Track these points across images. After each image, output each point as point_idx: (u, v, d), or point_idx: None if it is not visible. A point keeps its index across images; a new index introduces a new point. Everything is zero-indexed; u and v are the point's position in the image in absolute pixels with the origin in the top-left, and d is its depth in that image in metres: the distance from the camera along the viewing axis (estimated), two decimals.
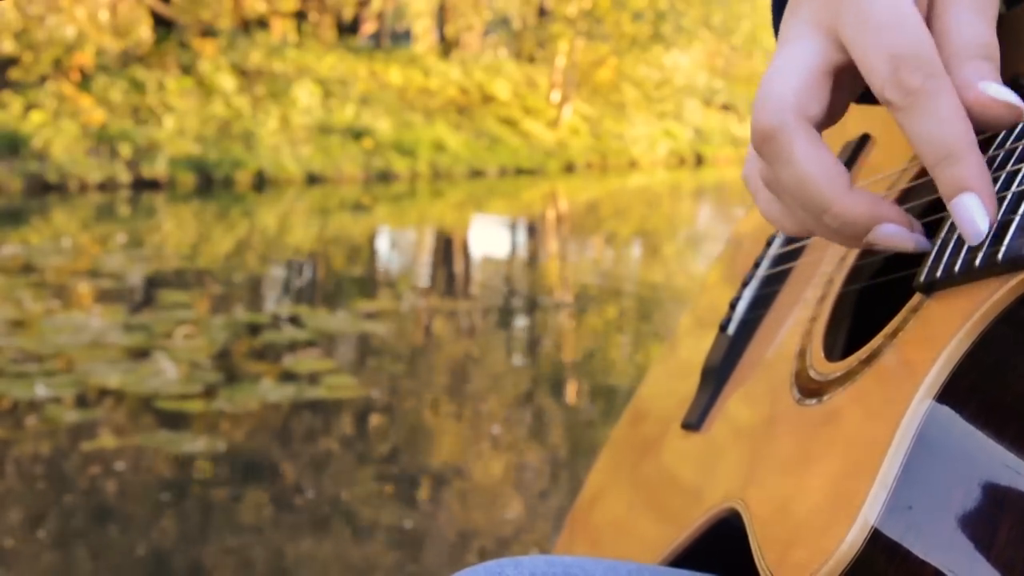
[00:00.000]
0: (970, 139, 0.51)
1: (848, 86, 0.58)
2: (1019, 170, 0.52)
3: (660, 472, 0.92)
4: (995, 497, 0.48)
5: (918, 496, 0.49)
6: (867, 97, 0.58)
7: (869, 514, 0.50)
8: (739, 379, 0.85)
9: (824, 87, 0.56)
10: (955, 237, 0.53)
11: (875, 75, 0.53)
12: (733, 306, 0.91)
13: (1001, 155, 0.54)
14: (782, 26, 0.59)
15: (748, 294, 0.91)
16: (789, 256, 0.89)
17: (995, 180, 0.53)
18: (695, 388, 0.91)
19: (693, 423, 0.87)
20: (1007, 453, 0.48)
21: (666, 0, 22.83)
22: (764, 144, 0.56)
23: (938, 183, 0.52)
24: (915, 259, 0.57)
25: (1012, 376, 0.50)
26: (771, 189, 0.59)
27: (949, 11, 0.54)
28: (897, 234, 0.55)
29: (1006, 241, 0.49)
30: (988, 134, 0.57)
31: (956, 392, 0.50)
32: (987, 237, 0.51)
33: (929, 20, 0.55)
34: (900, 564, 0.49)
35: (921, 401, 0.50)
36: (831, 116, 0.58)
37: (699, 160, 23.84)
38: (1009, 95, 0.52)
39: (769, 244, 0.94)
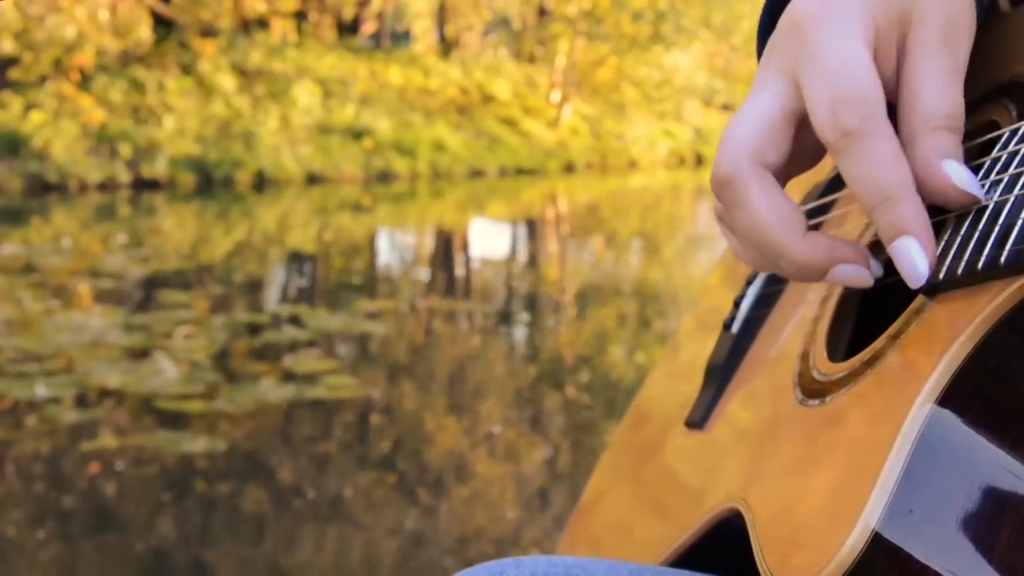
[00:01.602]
0: (907, 182, 0.52)
1: None
2: (1021, 173, 0.51)
3: (663, 471, 0.92)
4: (996, 501, 0.48)
5: (919, 499, 0.49)
6: None
7: (870, 517, 0.49)
8: (743, 378, 0.84)
9: (784, 133, 0.56)
10: (958, 240, 0.53)
11: (816, 116, 0.54)
12: (737, 304, 0.91)
13: (1004, 157, 0.54)
14: (757, 73, 0.60)
15: (752, 292, 0.91)
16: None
17: (998, 182, 0.53)
18: (698, 387, 0.91)
19: (696, 422, 0.87)
20: (1008, 457, 0.48)
21: (666, 0, 22.83)
22: (721, 190, 0.56)
23: (876, 226, 0.53)
24: None
25: (1014, 380, 0.50)
26: (730, 232, 0.59)
27: (917, 71, 0.55)
28: (852, 273, 0.56)
29: (1008, 244, 0.49)
30: (990, 137, 0.57)
31: (958, 396, 0.50)
32: (986, 247, 0.50)
33: (899, 76, 0.55)
34: (901, 568, 0.49)
35: (923, 404, 0.50)
36: (801, 163, 0.59)
37: (699, 160, 23.84)
38: (967, 180, 0.53)
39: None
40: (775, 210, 0.55)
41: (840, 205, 0.81)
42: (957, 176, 0.53)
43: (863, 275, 0.56)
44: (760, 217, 0.55)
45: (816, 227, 0.83)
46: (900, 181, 0.52)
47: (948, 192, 0.53)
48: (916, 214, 0.52)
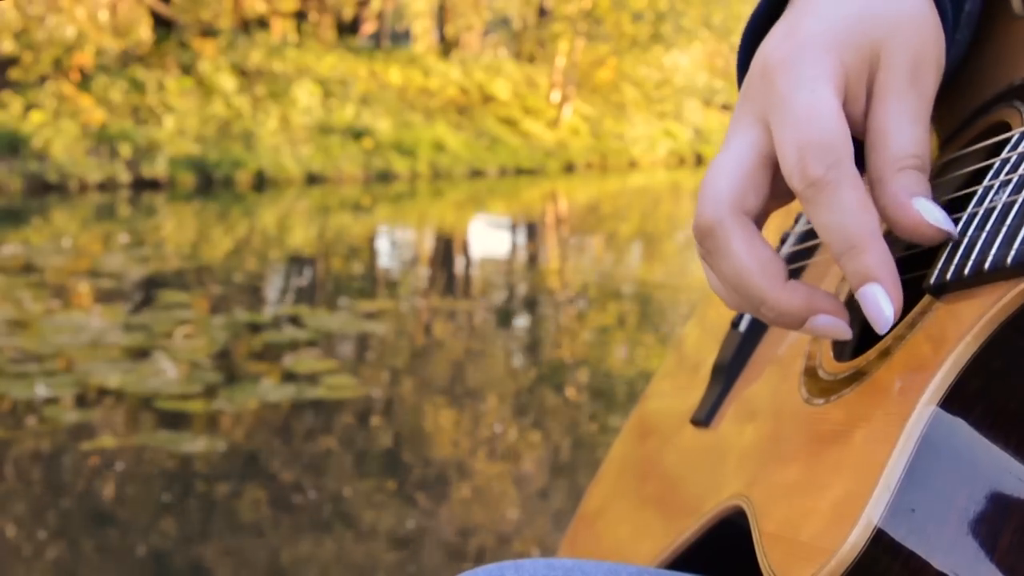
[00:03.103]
0: (872, 229, 0.53)
1: None
2: None
3: (667, 470, 0.92)
4: (999, 502, 0.48)
5: (922, 499, 0.49)
6: None
7: (872, 515, 0.50)
8: (749, 376, 0.85)
9: (762, 178, 0.57)
10: (966, 240, 0.53)
11: (784, 164, 0.54)
12: None
13: (1014, 158, 0.54)
14: (731, 119, 0.61)
15: None
16: (802, 254, 0.89)
17: (1006, 183, 0.53)
18: (704, 386, 0.91)
19: (702, 420, 0.87)
20: (1012, 458, 0.49)
21: (666, 0, 22.84)
22: (704, 238, 0.57)
23: (844, 272, 0.54)
24: (927, 261, 0.57)
25: (1019, 381, 0.50)
26: (713, 277, 0.60)
27: (884, 113, 0.56)
28: (831, 325, 0.56)
29: (1016, 245, 0.49)
30: (1000, 138, 0.57)
31: (962, 396, 0.50)
32: (992, 248, 0.51)
33: (867, 121, 0.56)
34: (903, 565, 0.49)
35: (926, 404, 0.51)
36: (780, 197, 0.60)
37: (699, 160, 23.86)
38: (939, 217, 0.54)
39: (783, 241, 0.94)
40: (756, 258, 0.56)
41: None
42: (928, 213, 0.54)
43: (841, 328, 0.56)
44: (741, 264, 0.56)
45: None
46: (865, 229, 0.53)
47: (921, 229, 0.54)
48: (881, 261, 0.53)
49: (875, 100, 0.56)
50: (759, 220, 0.59)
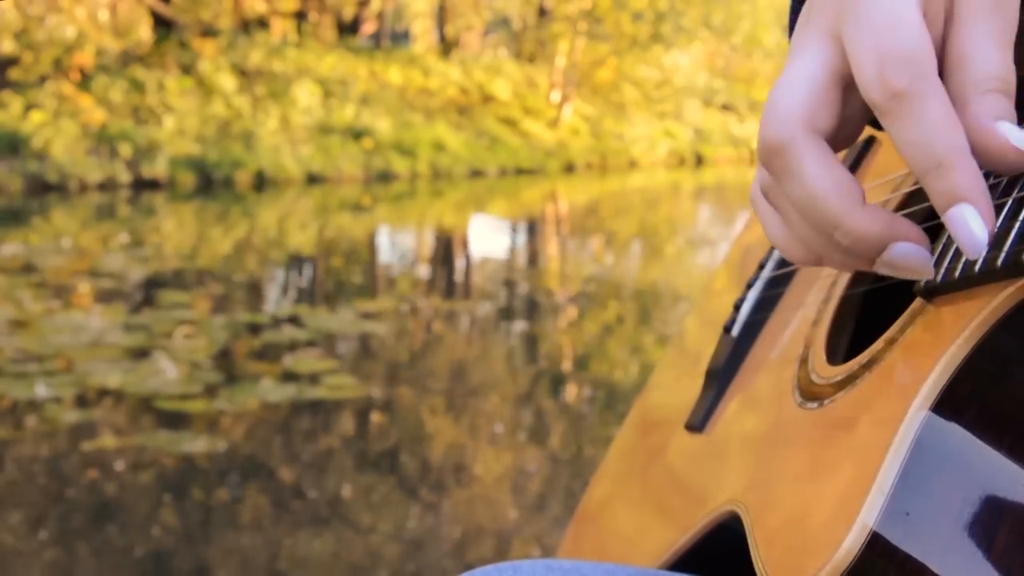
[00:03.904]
0: (961, 145, 0.49)
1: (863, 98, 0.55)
2: (1019, 176, 0.52)
3: (663, 474, 0.92)
4: (993, 504, 0.48)
5: (916, 502, 0.49)
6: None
7: (867, 518, 0.50)
8: (742, 381, 0.85)
9: (834, 96, 0.53)
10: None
11: (862, 76, 0.50)
12: (737, 308, 0.91)
13: None
14: (794, 36, 0.58)
15: (752, 296, 0.91)
16: (783, 279, 0.89)
17: (995, 187, 0.53)
18: (699, 390, 0.91)
19: (696, 425, 0.87)
20: (1005, 460, 0.48)
21: (666, 0, 22.83)
22: (771, 159, 0.53)
23: (929, 194, 0.50)
24: None
25: (1010, 383, 0.50)
26: (778, 207, 0.57)
27: (966, 35, 0.52)
28: (913, 254, 0.52)
29: (1006, 247, 0.49)
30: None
31: (954, 398, 0.50)
32: (989, 247, 0.50)
33: (945, 41, 0.52)
34: (898, 569, 0.49)
35: (919, 407, 0.51)
36: (846, 131, 0.56)
37: (699, 160, 23.85)
38: None
39: (761, 267, 0.95)
40: (832, 177, 0.51)
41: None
42: (1015, 137, 0.50)
43: (923, 259, 0.51)
44: (816, 185, 0.52)
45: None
46: (954, 145, 0.48)
47: (1007, 154, 0.50)
48: (973, 180, 0.48)
49: (956, 22, 0.52)
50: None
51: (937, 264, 0.54)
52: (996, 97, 0.50)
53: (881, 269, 0.53)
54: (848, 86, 0.54)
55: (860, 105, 0.55)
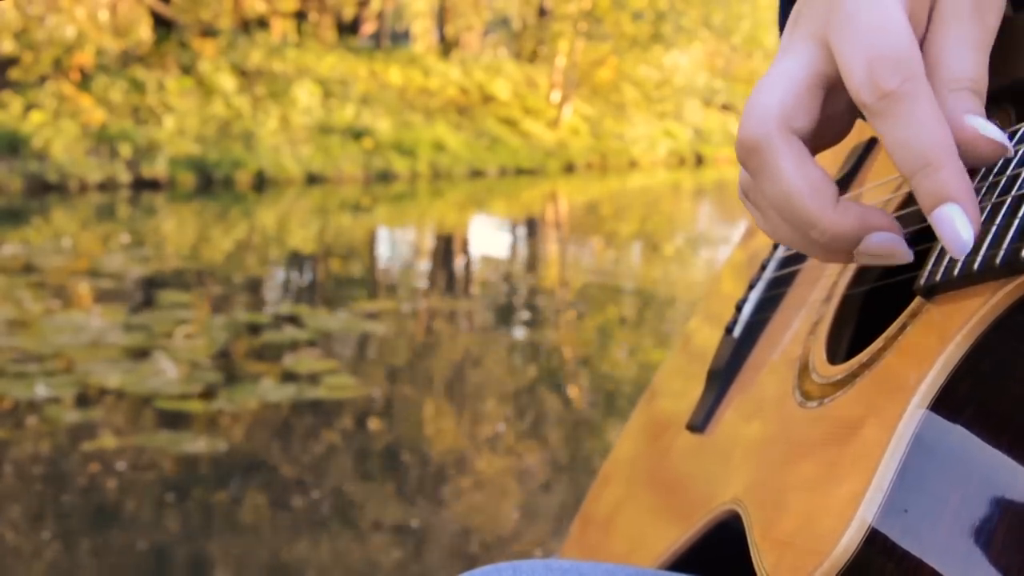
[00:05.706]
0: (949, 145, 0.50)
1: (849, 100, 0.57)
2: (1019, 174, 0.52)
3: (665, 474, 0.92)
4: (992, 501, 0.48)
5: (914, 499, 0.49)
6: None
7: (866, 516, 0.50)
8: (744, 382, 0.85)
9: (813, 98, 0.54)
10: None
11: (852, 78, 0.51)
12: (739, 308, 0.91)
13: (1003, 160, 0.54)
14: (782, 40, 0.58)
15: (754, 296, 0.91)
16: (796, 258, 0.89)
17: (995, 184, 0.53)
18: (701, 390, 0.91)
19: (697, 425, 0.87)
20: (1004, 457, 0.49)
21: (666, 0, 22.83)
22: (748, 157, 0.54)
23: (916, 194, 0.51)
24: (918, 262, 0.57)
25: (1009, 381, 0.50)
26: (756, 206, 0.57)
27: (944, 38, 0.53)
28: (887, 242, 0.53)
29: (1004, 244, 0.49)
30: None
31: (953, 396, 0.50)
32: (981, 248, 0.50)
33: (923, 45, 0.53)
34: (896, 566, 0.49)
35: (918, 405, 0.51)
36: (831, 131, 0.57)
37: (699, 160, 23.85)
38: (995, 132, 0.51)
39: (776, 246, 0.95)
40: (806, 177, 0.52)
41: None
42: (983, 128, 0.51)
43: (898, 245, 0.53)
44: (790, 184, 0.53)
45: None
46: (941, 144, 0.49)
47: (978, 144, 0.51)
48: (958, 179, 0.49)
49: (935, 25, 0.53)
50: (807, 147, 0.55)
51: (936, 263, 0.54)
52: (967, 95, 0.52)
53: (860, 260, 0.54)
54: (832, 87, 0.55)
55: (845, 106, 0.56)
